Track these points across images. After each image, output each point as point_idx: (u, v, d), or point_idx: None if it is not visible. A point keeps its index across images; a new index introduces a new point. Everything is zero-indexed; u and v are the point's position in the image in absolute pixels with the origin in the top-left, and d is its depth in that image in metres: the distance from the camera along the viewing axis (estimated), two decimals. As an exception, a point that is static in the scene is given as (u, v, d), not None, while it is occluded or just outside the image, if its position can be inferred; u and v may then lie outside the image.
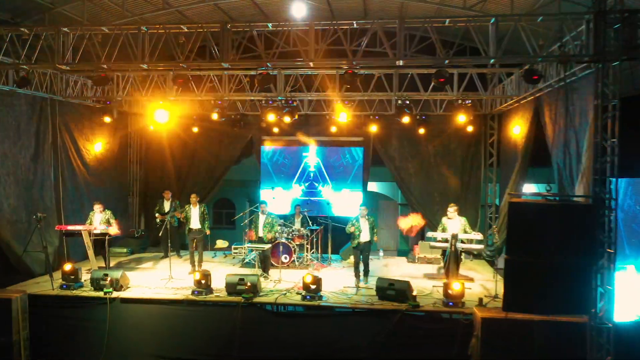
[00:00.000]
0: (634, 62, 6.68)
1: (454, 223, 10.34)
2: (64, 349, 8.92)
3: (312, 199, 14.47)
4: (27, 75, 8.41)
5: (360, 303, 8.95)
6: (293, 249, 11.70)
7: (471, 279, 10.66)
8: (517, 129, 11.61)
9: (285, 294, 9.34)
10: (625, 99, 7.42)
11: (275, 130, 13.90)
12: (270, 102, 11.28)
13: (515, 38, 7.78)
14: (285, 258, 11.55)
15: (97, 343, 8.82)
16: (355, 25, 7.96)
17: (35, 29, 8.14)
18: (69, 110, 11.95)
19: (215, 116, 12.01)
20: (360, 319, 8.71)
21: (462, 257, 12.23)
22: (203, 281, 9.17)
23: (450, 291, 8.57)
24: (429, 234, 10.81)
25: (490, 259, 12.74)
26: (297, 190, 14.95)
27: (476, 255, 13.17)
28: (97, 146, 12.97)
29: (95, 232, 10.51)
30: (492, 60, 7.26)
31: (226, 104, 12.09)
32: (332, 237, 12.72)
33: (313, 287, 9.01)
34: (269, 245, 10.90)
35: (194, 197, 11.54)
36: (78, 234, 10.46)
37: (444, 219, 10.57)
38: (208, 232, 11.56)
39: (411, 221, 10.95)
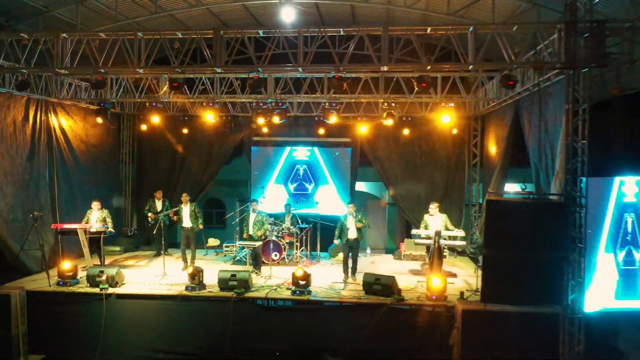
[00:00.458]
0: (603, 69, 7.07)
1: (435, 220, 10.78)
2: (61, 344, 9.15)
3: (301, 198, 14.84)
4: (27, 79, 8.68)
5: (348, 297, 9.33)
6: (283, 246, 12.06)
7: (454, 275, 11.10)
8: (499, 131, 12.08)
9: (276, 289, 9.69)
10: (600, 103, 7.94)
11: (265, 130, 14.26)
12: (261, 104, 11.64)
13: (494, 43, 8.23)
14: (276, 255, 11.90)
15: (94, 337, 9.10)
16: (342, 32, 8.35)
17: (35, 34, 8.43)
18: (63, 111, 12.20)
19: (207, 117, 12.32)
20: (348, 313, 9.09)
21: (447, 253, 12.75)
22: (196, 277, 9.50)
23: (432, 285, 8.98)
24: (414, 231, 11.24)
25: (473, 256, 13.19)
26: (286, 190, 15.32)
27: (460, 252, 13.66)
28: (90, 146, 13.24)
29: (91, 230, 10.78)
30: (470, 67, 7.68)
31: (218, 106, 12.40)
32: (320, 235, 13.08)
33: (303, 282, 9.37)
34: (260, 243, 11.24)
35: (184, 196, 11.86)
36: (74, 232, 10.72)
37: (426, 216, 11.01)
38: (201, 227, 11.88)
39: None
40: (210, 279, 9.74)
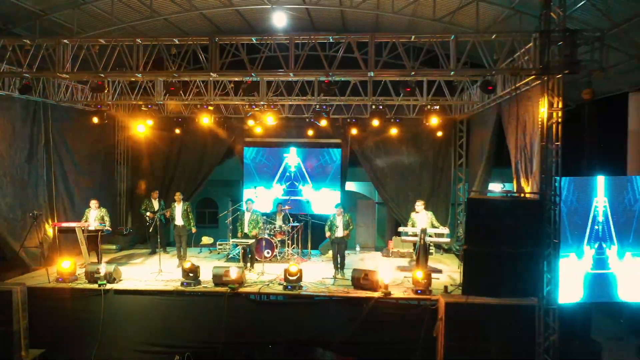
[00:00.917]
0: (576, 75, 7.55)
1: (421, 217, 11.25)
2: (61, 338, 9.43)
3: (292, 197, 15.25)
4: (29, 83, 9.01)
5: (338, 292, 9.75)
6: (275, 244, 12.45)
7: (440, 271, 11.55)
8: (483, 132, 12.55)
9: (268, 284, 10.09)
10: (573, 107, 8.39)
11: (258, 131, 14.63)
12: (253, 106, 12.03)
13: (476, 48, 8.67)
14: (268, 253, 12.29)
15: (92, 332, 9.40)
16: (331, 39, 8.77)
17: (37, 40, 8.76)
18: (60, 113, 12.50)
19: (201, 119, 12.68)
20: (337, 306, 9.49)
21: (433, 250, 13.21)
22: (191, 273, 9.86)
23: (418, 280, 9.43)
24: (401, 228, 11.69)
25: (458, 253, 13.65)
26: (278, 190, 15.72)
27: (446, 250, 14.13)
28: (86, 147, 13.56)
29: (89, 228, 11.11)
30: (452, 73, 8.13)
31: (211, 108, 12.77)
32: (311, 233, 13.49)
33: (294, 278, 9.77)
34: (253, 241, 11.63)
35: (178, 195, 12.23)
36: (72, 230, 11.04)
37: (413, 214, 11.46)
38: (194, 230, 12.26)
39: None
40: (205, 275, 10.10)
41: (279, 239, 12.76)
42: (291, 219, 13.51)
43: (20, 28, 11.40)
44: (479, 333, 8.01)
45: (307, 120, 13.80)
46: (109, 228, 11.41)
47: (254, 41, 8.89)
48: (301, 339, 9.37)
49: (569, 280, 7.56)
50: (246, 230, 11.63)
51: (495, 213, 7.52)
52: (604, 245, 7.60)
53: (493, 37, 8.03)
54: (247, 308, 9.57)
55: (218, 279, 9.79)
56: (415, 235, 10.94)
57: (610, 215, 7.59)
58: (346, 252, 11.57)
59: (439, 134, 13.75)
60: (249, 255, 11.52)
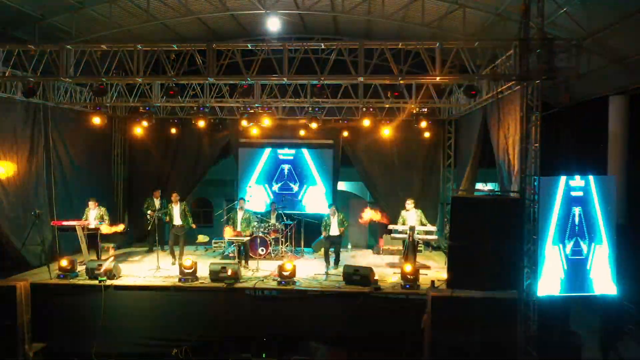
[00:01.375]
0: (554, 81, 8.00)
1: (411, 215, 11.72)
2: (63, 332, 9.72)
3: (286, 197, 15.65)
4: (33, 87, 9.36)
5: (330, 287, 10.14)
6: (269, 242, 12.84)
7: (428, 267, 11.99)
8: (470, 134, 13.01)
9: (263, 280, 10.46)
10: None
11: (252, 133, 14.97)
12: (248, 108, 12.41)
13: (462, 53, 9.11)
14: (262, 250, 12.68)
15: (93, 326, 9.66)
16: (322, 46, 9.18)
17: (42, 46, 9.11)
18: (59, 115, 12.79)
19: (200, 122, 13.03)
20: (329, 301, 9.85)
21: (422, 248, 13.66)
22: (189, 270, 10.22)
23: (407, 276, 9.86)
24: (391, 226, 12.11)
25: (446, 250, 14.09)
26: (272, 189, 16.12)
27: (435, 247, 14.56)
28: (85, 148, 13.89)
29: (89, 227, 11.44)
30: (437, 78, 8.56)
31: (208, 110, 13.14)
32: (304, 231, 13.88)
33: (288, 273, 10.16)
34: (247, 239, 12.01)
35: (175, 196, 12.53)
36: (72, 229, 11.37)
37: (403, 212, 11.92)
38: (194, 226, 12.61)
39: (371, 215, 12.23)
40: (202, 272, 10.45)
41: (273, 237, 13.13)
42: (285, 218, 13.90)
43: (20, 32, 11.72)
44: (464, 325, 8.39)
45: (300, 121, 14.19)
46: (109, 230, 11.62)
47: (250, 47, 9.28)
48: (294, 332, 9.72)
49: (548, 273, 7.99)
50: (239, 228, 11.99)
51: (478, 211, 7.98)
52: (579, 241, 8.05)
53: (476, 44, 8.48)
54: (242, 303, 9.89)
55: (215, 275, 10.15)
56: (405, 232, 11.37)
57: (586, 212, 8.04)
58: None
59: (428, 135, 14.19)
60: (244, 253, 11.90)
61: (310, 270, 11.52)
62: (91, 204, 11.82)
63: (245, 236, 11.90)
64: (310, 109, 12.93)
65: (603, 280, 8.14)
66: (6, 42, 10.36)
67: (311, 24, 13.93)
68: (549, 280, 8.03)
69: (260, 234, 12.75)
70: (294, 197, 15.89)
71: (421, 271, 10.40)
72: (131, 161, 16.05)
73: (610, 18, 8.84)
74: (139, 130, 14.00)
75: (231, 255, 12.77)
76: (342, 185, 18.44)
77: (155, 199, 13.54)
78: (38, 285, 9.88)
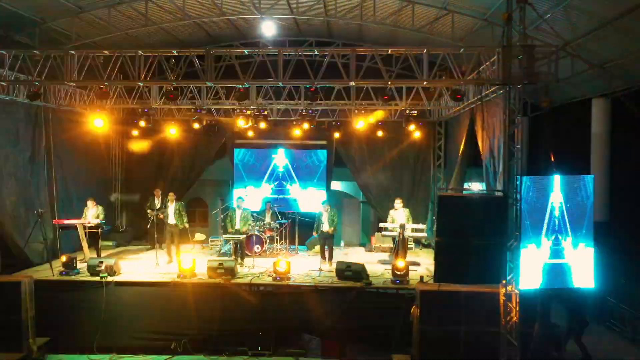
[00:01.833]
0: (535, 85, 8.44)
1: (399, 214, 12.20)
2: (65, 327, 10.01)
3: (281, 196, 16.06)
4: (38, 90, 9.70)
5: (323, 282, 10.55)
6: (264, 240, 13.23)
7: (418, 264, 12.43)
8: (459, 135, 13.46)
9: (259, 276, 10.85)
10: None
11: (249, 134, 15.39)
12: (244, 110, 12.80)
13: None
14: (258, 248, 13.07)
15: (95, 321, 9.98)
16: (316, 52, 9.59)
17: (47, 51, 9.46)
18: (60, 116, 13.16)
19: (196, 125, 13.40)
20: (322, 296, 10.22)
21: (412, 245, 14.10)
22: (188, 266, 10.58)
23: (396, 271, 10.29)
24: (382, 224, 12.54)
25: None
26: (267, 189, 16.51)
27: (426, 245, 15.00)
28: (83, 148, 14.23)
29: (88, 225, 11.79)
30: (425, 83, 8.99)
31: (204, 112, 13.51)
32: (298, 230, 14.24)
33: (283, 270, 10.54)
34: (244, 236, 12.39)
35: (171, 195, 12.86)
36: (73, 227, 11.71)
37: (391, 211, 12.39)
38: (187, 226, 12.96)
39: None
40: (199, 269, 10.81)
41: (268, 235, 13.53)
42: (279, 217, 14.27)
43: (20, 35, 12.02)
44: (450, 317, 8.80)
45: (295, 123, 14.59)
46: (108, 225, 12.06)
47: (246, 53, 9.68)
48: (289, 326, 10.09)
49: (530, 268, 8.43)
50: (237, 227, 12.38)
51: (463, 209, 8.40)
52: (560, 237, 8.49)
53: (461, 50, 8.91)
54: (239, 298, 10.21)
55: (212, 272, 10.51)
56: (395, 230, 11.80)
57: (566, 210, 8.48)
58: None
59: (419, 135, 14.64)
60: (240, 251, 12.28)
61: (304, 267, 11.92)
62: (89, 203, 12.17)
63: (242, 232, 12.28)
64: (304, 110, 13.32)
65: (581, 274, 8.57)
66: (8, 46, 10.72)
67: (305, 27, 14.34)
68: (531, 275, 8.44)
69: (256, 233, 13.12)
70: (288, 197, 16.29)
71: (411, 267, 10.83)
72: (129, 161, 16.37)
73: (591, 25, 9.30)
74: (137, 131, 14.36)
75: (228, 253, 13.14)
76: (335, 185, 18.83)
77: (156, 198, 13.88)
78: (41, 281, 10.19)
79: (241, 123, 13.50)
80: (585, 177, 8.51)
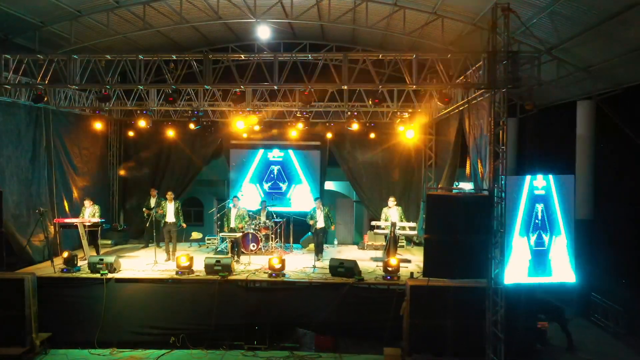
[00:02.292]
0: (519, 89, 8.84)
1: (392, 211, 12.59)
2: (67, 322, 10.26)
3: (276, 196, 16.41)
4: (41, 93, 10.01)
5: (317, 278, 10.90)
6: (260, 238, 13.58)
7: (409, 260, 12.80)
8: (449, 136, 13.85)
9: (255, 273, 11.19)
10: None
11: (243, 135, 15.75)
12: (240, 112, 13.15)
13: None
14: (253, 246, 13.41)
15: (95, 317, 10.25)
16: (310, 57, 9.97)
17: (50, 56, 9.77)
18: (60, 118, 13.47)
19: (192, 125, 13.73)
20: (316, 291, 10.57)
21: (404, 243, 14.49)
22: (186, 264, 10.90)
23: (388, 268, 10.67)
24: (374, 222, 12.93)
25: (425, 244, 14.93)
26: (262, 188, 16.86)
27: (417, 243, 15.38)
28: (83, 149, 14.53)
29: (88, 224, 12.09)
30: (414, 87, 9.37)
31: (202, 114, 13.84)
32: (293, 228, 14.63)
33: (278, 267, 10.89)
34: (240, 234, 12.73)
35: (169, 194, 13.19)
36: (74, 226, 12.01)
37: (385, 209, 12.78)
38: (184, 225, 13.28)
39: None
40: (197, 266, 11.14)
41: (263, 233, 13.88)
42: (274, 216, 14.62)
43: (20, 38, 12.31)
44: (439, 311, 9.18)
45: (289, 123, 14.94)
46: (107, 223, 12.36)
47: (243, 57, 10.03)
48: (284, 321, 10.40)
49: (514, 264, 8.82)
50: (233, 224, 12.72)
51: (451, 207, 8.79)
52: (543, 234, 8.89)
53: (449, 56, 9.30)
54: (235, 294, 10.55)
55: (209, 269, 10.84)
56: (386, 229, 12.18)
57: (549, 208, 8.88)
58: (325, 245, 12.82)
59: (410, 136, 15.02)
60: (236, 248, 12.62)
61: (298, 264, 12.28)
62: (87, 202, 12.50)
63: (238, 230, 12.61)
64: (298, 112, 13.68)
65: (563, 269, 8.98)
66: (8, 49, 11.00)
67: (300, 30, 14.69)
68: (515, 270, 8.84)
69: (252, 231, 13.47)
70: (283, 196, 16.66)
71: (402, 264, 11.19)
72: (127, 162, 16.65)
73: (575, 30, 9.69)
74: (135, 132, 14.65)
75: (225, 251, 13.48)
76: (329, 185, 19.21)
77: (152, 198, 14.20)
78: (43, 278, 10.46)
79: (238, 124, 13.84)
80: (565, 177, 8.91)
